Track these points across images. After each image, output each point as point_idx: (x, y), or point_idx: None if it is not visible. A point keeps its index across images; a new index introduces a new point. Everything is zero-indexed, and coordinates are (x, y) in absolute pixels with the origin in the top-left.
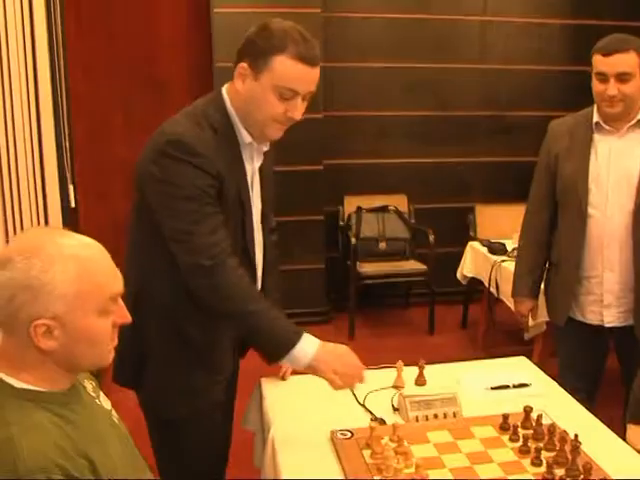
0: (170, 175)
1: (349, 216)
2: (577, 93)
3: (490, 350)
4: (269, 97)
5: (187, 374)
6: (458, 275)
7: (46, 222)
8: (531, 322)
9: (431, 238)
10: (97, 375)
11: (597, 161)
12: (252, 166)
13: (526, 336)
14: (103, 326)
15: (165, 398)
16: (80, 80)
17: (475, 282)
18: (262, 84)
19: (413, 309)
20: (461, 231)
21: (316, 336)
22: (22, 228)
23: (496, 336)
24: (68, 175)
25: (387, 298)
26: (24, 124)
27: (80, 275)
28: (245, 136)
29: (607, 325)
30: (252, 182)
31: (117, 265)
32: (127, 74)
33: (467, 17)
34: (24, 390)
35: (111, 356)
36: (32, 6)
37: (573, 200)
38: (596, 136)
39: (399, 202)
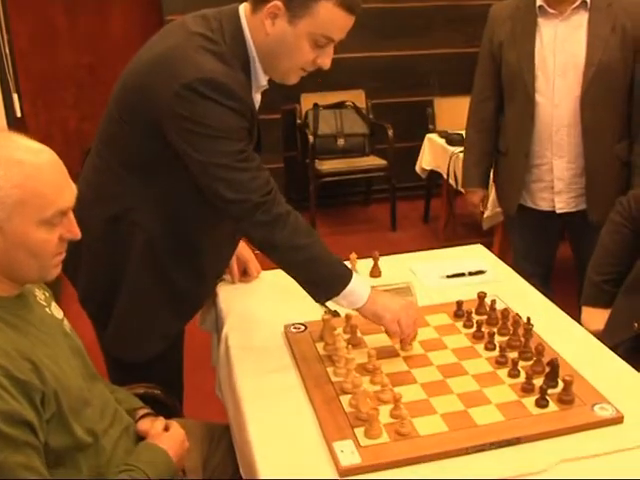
0: (202, 115)
1: (306, 114)
2: None
3: (451, 243)
4: (302, 44)
5: (160, 319)
6: (417, 168)
7: None
8: (487, 212)
9: (390, 133)
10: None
11: (542, 46)
12: (255, 101)
13: (484, 226)
14: (45, 238)
15: (132, 340)
16: None
17: (436, 176)
18: (297, 30)
19: (374, 206)
20: (420, 125)
21: None
22: None
23: (457, 229)
24: (11, 83)
25: (348, 196)
26: None
27: (23, 183)
28: (261, 79)
29: (558, 211)
30: None
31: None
32: None
33: None
34: None
35: (56, 270)
36: None
37: (520, 88)
38: (540, 20)
39: (356, 98)
